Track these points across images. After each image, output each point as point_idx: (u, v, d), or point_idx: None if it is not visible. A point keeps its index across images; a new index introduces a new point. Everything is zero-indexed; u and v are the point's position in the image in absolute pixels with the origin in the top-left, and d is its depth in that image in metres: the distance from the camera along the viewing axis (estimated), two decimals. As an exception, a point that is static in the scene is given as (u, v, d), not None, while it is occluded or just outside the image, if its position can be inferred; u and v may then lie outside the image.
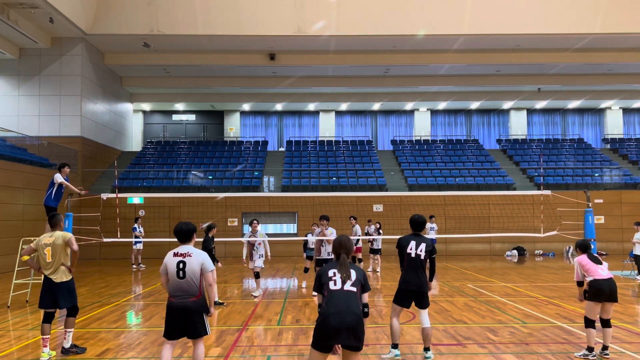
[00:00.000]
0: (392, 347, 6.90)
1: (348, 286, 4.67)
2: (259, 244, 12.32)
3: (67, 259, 7.40)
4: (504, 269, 18.23)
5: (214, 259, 11.08)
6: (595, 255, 7.11)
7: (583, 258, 7.01)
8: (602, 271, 6.84)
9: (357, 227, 16.17)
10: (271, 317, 9.83)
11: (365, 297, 4.79)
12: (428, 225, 21.46)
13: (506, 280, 14.85)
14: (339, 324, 4.48)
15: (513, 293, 12.48)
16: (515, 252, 23.71)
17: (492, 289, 13.19)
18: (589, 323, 6.81)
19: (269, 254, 12.53)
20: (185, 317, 5.46)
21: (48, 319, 7.12)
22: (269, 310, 10.48)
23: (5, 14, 19.91)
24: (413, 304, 6.93)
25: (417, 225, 6.97)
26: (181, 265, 5.46)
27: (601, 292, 6.72)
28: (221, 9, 23.29)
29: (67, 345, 7.24)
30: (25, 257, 7.70)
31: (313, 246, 13.38)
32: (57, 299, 7.11)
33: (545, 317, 9.51)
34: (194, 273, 5.47)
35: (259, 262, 12.32)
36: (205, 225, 11.64)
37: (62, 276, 7.24)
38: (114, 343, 7.86)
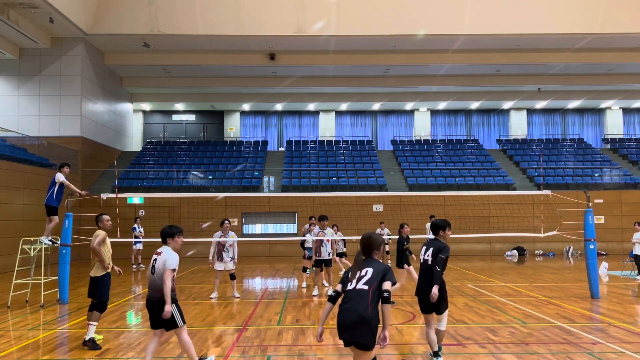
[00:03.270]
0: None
1: (360, 285, 4.65)
2: (230, 245, 11.93)
3: (102, 256, 8.03)
4: (504, 269, 18.23)
5: (403, 260, 10.84)
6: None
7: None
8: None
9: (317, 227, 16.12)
10: (271, 317, 9.83)
11: (386, 285, 4.64)
12: (428, 225, 21.48)
13: (506, 280, 14.85)
14: (342, 322, 4.58)
15: (513, 293, 12.47)
16: (515, 252, 23.71)
17: (492, 289, 13.18)
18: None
19: (236, 256, 12.11)
20: (156, 311, 5.93)
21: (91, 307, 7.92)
22: (269, 310, 10.47)
23: (5, 14, 19.90)
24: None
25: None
26: (153, 263, 6.06)
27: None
28: (221, 9, 23.28)
29: (86, 337, 7.60)
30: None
31: (310, 245, 13.31)
32: (89, 290, 8.05)
33: (545, 317, 9.50)
34: (160, 269, 5.95)
35: (231, 264, 11.91)
36: (205, 225, 11.61)
37: (95, 271, 8.06)
38: (114, 343, 7.86)
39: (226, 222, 11.97)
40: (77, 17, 21.98)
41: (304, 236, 14.01)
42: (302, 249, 14.16)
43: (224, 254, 11.90)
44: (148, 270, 6.26)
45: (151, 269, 6.05)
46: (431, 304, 6.35)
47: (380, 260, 4.88)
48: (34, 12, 20.71)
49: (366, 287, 4.60)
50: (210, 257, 12.08)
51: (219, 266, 11.94)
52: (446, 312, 6.47)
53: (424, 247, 6.60)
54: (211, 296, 12.03)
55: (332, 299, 4.86)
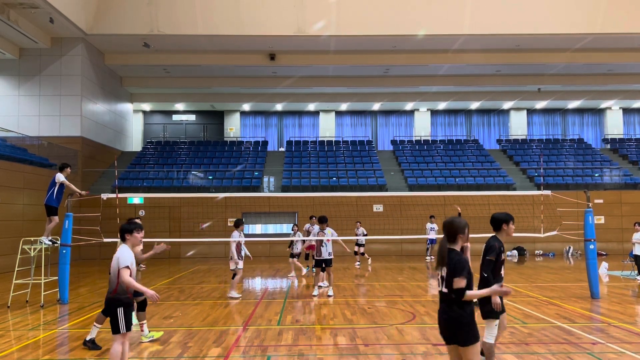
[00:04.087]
0: None
1: (443, 287, 4.61)
2: (244, 244, 12.34)
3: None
4: (504, 269, 18.20)
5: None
6: None
7: None
8: None
9: (316, 227, 16.44)
10: (271, 317, 9.83)
11: (455, 282, 4.45)
12: (428, 225, 21.48)
13: (506, 280, 14.75)
14: (438, 323, 4.66)
15: (513, 293, 12.47)
16: (515, 252, 23.70)
17: (492, 289, 13.15)
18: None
19: (249, 254, 12.76)
20: (107, 310, 5.81)
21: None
22: (269, 310, 10.47)
23: (5, 14, 19.90)
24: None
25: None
26: (112, 262, 5.87)
27: None
28: (221, 9, 23.28)
29: (87, 337, 7.64)
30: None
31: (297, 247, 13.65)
32: None
33: (545, 317, 9.50)
34: (113, 269, 5.78)
35: (241, 264, 12.08)
36: (205, 225, 11.65)
37: None
38: None
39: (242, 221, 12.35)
40: (77, 17, 21.97)
41: (309, 235, 14.31)
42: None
43: (242, 252, 12.17)
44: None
45: (110, 269, 5.90)
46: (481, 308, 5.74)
47: (458, 249, 4.62)
48: (34, 12, 20.71)
49: (446, 290, 4.56)
50: (236, 257, 11.91)
51: (240, 265, 12.07)
52: (493, 322, 5.82)
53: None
54: (237, 295, 12.06)
55: None
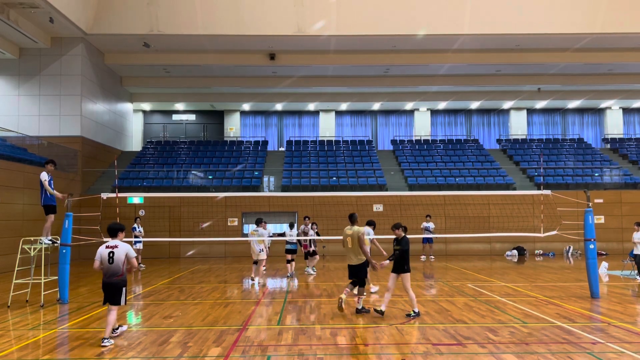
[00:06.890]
0: None
1: None
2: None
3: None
4: (504, 269, 18.22)
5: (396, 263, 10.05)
6: None
7: None
8: None
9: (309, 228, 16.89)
10: (271, 317, 9.83)
11: None
12: (424, 224, 21.49)
13: (506, 280, 14.85)
14: None
15: (513, 293, 12.48)
16: (515, 252, 23.70)
17: (492, 289, 13.18)
18: None
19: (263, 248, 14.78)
20: (112, 290, 7.80)
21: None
22: (269, 310, 10.48)
23: (5, 14, 19.90)
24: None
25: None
26: (111, 254, 7.79)
27: None
28: (221, 9, 23.28)
29: (359, 306, 9.85)
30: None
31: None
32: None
33: (545, 317, 9.51)
34: (120, 259, 7.79)
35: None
36: (204, 225, 11.77)
37: (355, 260, 9.83)
38: (114, 343, 7.85)
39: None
40: (77, 17, 21.97)
41: (305, 235, 15.17)
42: (299, 245, 16.47)
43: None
44: (100, 262, 7.80)
45: (109, 260, 7.72)
46: None
47: None
48: (34, 12, 20.71)
49: None
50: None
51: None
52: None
53: None
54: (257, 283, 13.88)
55: None
